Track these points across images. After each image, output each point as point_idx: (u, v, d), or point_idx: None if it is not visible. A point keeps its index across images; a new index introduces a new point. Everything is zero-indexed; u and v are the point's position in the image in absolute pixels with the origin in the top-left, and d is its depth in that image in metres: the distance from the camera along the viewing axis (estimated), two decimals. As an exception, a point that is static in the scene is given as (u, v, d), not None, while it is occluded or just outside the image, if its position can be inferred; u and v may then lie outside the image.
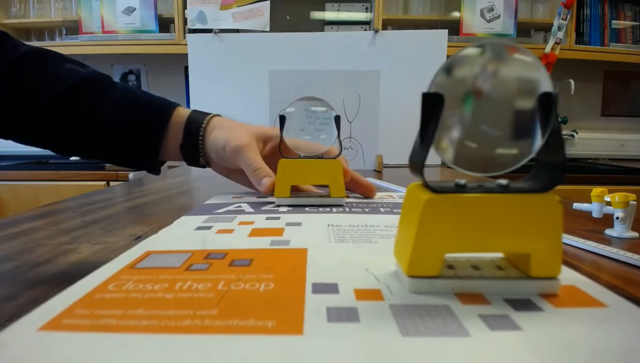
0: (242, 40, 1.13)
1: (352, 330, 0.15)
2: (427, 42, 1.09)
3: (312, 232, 0.29)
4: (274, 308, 0.16)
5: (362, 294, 0.18)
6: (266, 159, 0.44)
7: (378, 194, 0.47)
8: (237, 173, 0.45)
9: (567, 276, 0.20)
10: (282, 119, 0.40)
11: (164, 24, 1.73)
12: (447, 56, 0.18)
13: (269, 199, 0.43)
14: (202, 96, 1.13)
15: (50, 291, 0.21)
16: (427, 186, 0.18)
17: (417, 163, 0.19)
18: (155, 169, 0.48)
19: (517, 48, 0.18)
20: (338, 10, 1.77)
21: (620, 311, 0.17)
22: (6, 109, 0.40)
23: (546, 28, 1.74)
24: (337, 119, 0.40)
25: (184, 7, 1.63)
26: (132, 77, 1.96)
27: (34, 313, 0.16)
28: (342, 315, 0.16)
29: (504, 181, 0.18)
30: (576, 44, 1.73)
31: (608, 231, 0.33)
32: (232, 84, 1.12)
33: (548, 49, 1.63)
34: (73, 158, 1.43)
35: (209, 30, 1.13)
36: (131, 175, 1.32)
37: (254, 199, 0.44)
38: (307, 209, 0.38)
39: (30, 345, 0.14)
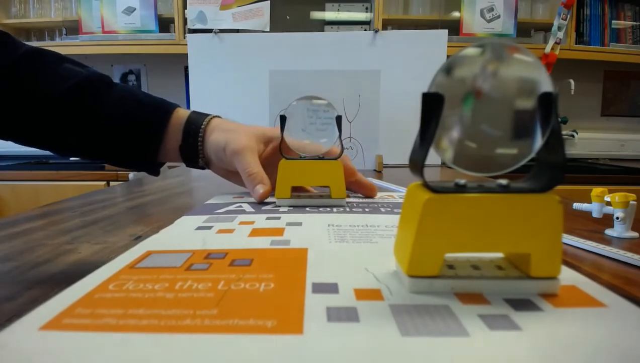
0: (242, 40, 1.13)
1: (352, 330, 0.15)
2: (427, 42, 1.09)
3: (312, 232, 0.29)
4: (274, 308, 0.16)
5: (362, 294, 0.18)
6: (267, 161, 0.44)
7: (378, 194, 0.47)
8: (237, 175, 0.45)
9: (567, 276, 0.20)
10: (283, 119, 0.40)
11: (164, 24, 1.73)
12: (447, 56, 0.18)
13: (269, 199, 0.43)
14: (202, 96, 1.13)
15: (50, 291, 0.21)
16: (427, 186, 0.18)
17: (417, 163, 0.19)
18: (154, 170, 0.48)
19: (517, 48, 0.18)
20: (338, 10, 1.77)
21: (620, 311, 0.17)
22: (6, 109, 0.40)
23: (546, 28, 1.74)
24: (339, 119, 0.40)
25: (184, 7, 1.63)
26: (132, 77, 1.96)
27: (35, 312, 0.16)
28: (342, 314, 0.16)
29: (504, 181, 0.18)
30: (576, 44, 1.73)
31: (608, 231, 0.33)
32: (232, 84, 1.12)
33: (548, 49, 1.63)
34: (73, 158, 1.43)
35: (209, 30, 1.13)
36: (131, 175, 1.32)
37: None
38: (307, 209, 0.38)
39: (30, 344, 0.14)
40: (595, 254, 0.28)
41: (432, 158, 0.18)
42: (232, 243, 0.26)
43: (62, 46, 1.70)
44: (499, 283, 0.18)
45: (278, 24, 1.73)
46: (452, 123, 0.18)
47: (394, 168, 1.02)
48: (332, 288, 0.19)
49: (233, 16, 1.58)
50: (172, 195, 0.54)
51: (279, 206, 0.39)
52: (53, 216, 0.40)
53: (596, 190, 0.35)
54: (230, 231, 0.29)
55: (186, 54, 1.13)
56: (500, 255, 0.21)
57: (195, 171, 0.83)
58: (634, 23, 1.82)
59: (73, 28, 1.76)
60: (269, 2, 1.56)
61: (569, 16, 1.62)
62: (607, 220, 0.34)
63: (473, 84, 0.18)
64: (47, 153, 0.47)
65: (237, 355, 0.13)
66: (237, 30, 1.57)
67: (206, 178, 0.72)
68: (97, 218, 0.39)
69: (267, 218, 0.34)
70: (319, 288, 0.19)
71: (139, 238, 0.31)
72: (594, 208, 0.35)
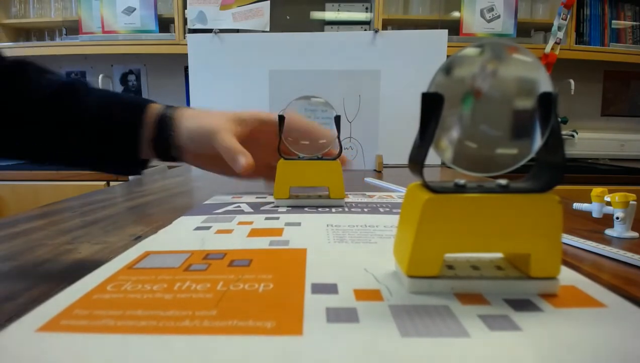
0: (242, 40, 1.13)
1: (352, 331, 0.15)
2: (427, 42, 1.09)
3: (311, 232, 0.29)
4: (274, 309, 0.16)
5: (362, 294, 0.18)
6: (243, 142, 0.43)
7: (378, 194, 0.47)
8: (214, 161, 0.43)
9: (567, 276, 0.20)
10: (282, 119, 0.40)
11: (164, 24, 1.73)
12: (447, 56, 0.18)
13: (268, 199, 0.43)
14: (202, 96, 1.13)
15: (50, 291, 0.21)
16: (426, 186, 0.18)
17: (416, 163, 0.19)
18: (135, 171, 0.46)
19: (517, 48, 0.18)
20: (338, 10, 1.77)
21: (619, 312, 0.16)
22: None
23: (546, 28, 1.74)
24: (337, 119, 0.40)
25: (184, 7, 1.63)
26: (132, 77, 1.96)
27: (32, 313, 0.16)
28: (342, 315, 0.16)
29: (503, 181, 0.18)
30: (576, 44, 1.73)
31: (608, 231, 0.33)
32: (232, 84, 1.12)
33: (548, 49, 1.63)
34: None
35: (209, 30, 1.13)
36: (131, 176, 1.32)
37: (254, 199, 0.44)
38: (306, 209, 0.38)
39: (28, 346, 0.14)
40: (595, 254, 0.28)
41: (432, 158, 0.18)
42: (230, 244, 0.26)
43: (62, 46, 1.70)
44: (498, 283, 0.18)
45: (278, 24, 1.73)
46: (451, 123, 0.18)
47: (393, 168, 1.02)
48: (331, 289, 0.18)
49: (233, 16, 1.58)
50: (172, 195, 0.54)
51: (278, 207, 0.39)
52: (53, 216, 0.40)
53: (596, 190, 0.35)
54: (229, 231, 0.29)
55: (186, 54, 1.13)
56: (499, 255, 0.21)
57: (195, 171, 0.83)
58: (634, 23, 1.82)
59: (73, 28, 1.76)
60: (269, 2, 1.56)
61: (569, 16, 1.62)
62: (607, 220, 0.34)
63: (472, 84, 0.18)
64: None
65: (237, 356, 0.13)
66: (237, 30, 1.57)
67: (206, 178, 0.72)
68: (97, 218, 0.39)
69: (266, 218, 0.34)
70: (319, 288, 0.19)
71: (138, 238, 0.31)
72: (594, 208, 0.35)
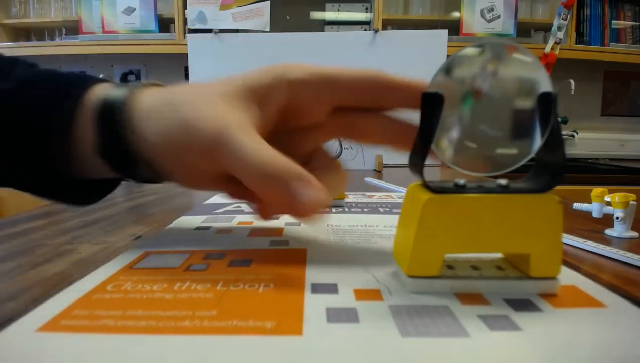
0: (242, 40, 1.13)
1: (352, 331, 0.15)
2: (427, 42, 1.09)
3: (311, 232, 0.29)
4: (273, 309, 0.16)
5: (362, 294, 0.18)
6: (272, 136, 0.23)
7: (378, 194, 0.47)
8: (219, 180, 0.24)
9: (567, 276, 0.20)
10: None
11: (164, 24, 1.73)
12: (447, 56, 0.18)
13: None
14: (202, 96, 1.13)
15: (50, 291, 0.21)
16: (426, 186, 0.18)
17: (416, 163, 0.19)
18: (82, 199, 0.28)
19: (517, 48, 0.18)
20: (338, 10, 1.77)
21: (619, 312, 0.16)
22: None
23: (546, 28, 1.74)
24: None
25: (184, 7, 1.63)
26: (132, 77, 1.96)
27: (32, 313, 0.16)
28: (342, 315, 0.16)
29: (503, 181, 0.18)
30: (576, 44, 1.73)
31: (608, 231, 0.33)
32: (232, 84, 1.12)
33: (548, 49, 1.63)
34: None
35: (209, 31, 1.13)
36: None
37: (254, 199, 0.44)
38: (306, 209, 0.38)
39: (28, 346, 0.14)
40: (595, 254, 0.28)
41: (432, 158, 0.18)
42: (230, 244, 0.26)
43: (62, 46, 1.70)
44: (498, 283, 0.18)
45: (278, 24, 1.73)
46: (451, 123, 0.18)
47: (394, 168, 1.02)
48: (331, 289, 0.18)
49: (233, 16, 1.58)
50: (172, 195, 0.54)
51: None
52: (53, 216, 0.40)
53: (596, 190, 0.35)
54: (229, 231, 0.29)
55: (186, 54, 1.13)
56: (499, 255, 0.21)
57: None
58: (634, 23, 1.82)
59: (73, 28, 1.76)
60: (269, 2, 1.56)
61: (569, 16, 1.62)
62: (607, 220, 0.34)
63: (472, 84, 0.18)
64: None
65: (237, 357, 0.13)
66: (237, 30, 1.57)
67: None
68: (97, 218, 0.39)
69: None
70: (319, 288, 0.19)
71: (138, 238, 0.31)
72: (594, 208, 0.35)
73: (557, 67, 1.66)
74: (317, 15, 1.85)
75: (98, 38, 1.71)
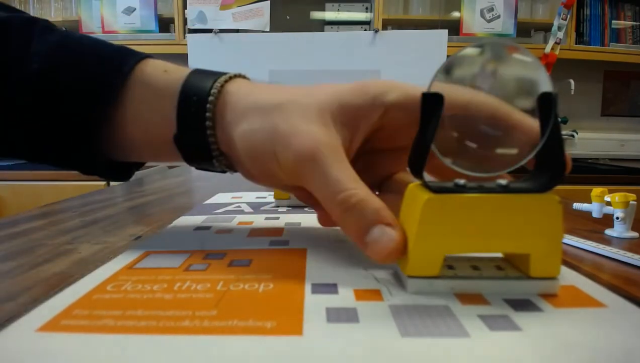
0: (242, 40, 1.13)
1: (352, 331, 0.15)
2: (427, 42, 1.09)
3: (311, 232, 0.29)
4: (274, 309, 0.16)
5: (362, 294, 0.18)
6: (360, 161, 0.24)
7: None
8: (292, 186, 0.24)
9: (567, 276, 0.20)
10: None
11: (164, 24, 1.73)
12: (447, 56, 0.18)
13: (268, 199, 0.43)
14: (202, 96, 1.13)
15: (50, 291, 0.21)
16: (426, 186, 0.18)
17: (416, 163, 0.19)
18: (121, 175, 0.29)
19: (517, 48, 0.18)
20: (338, 10, 1.77)
21: (619, 312, 0.16)
22: None
23: (546, 28, 1.74)
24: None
25: (184, 7, 1.63)
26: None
27: (32, 313, 0.16)
28: (342, 315, 0.16)
29: (503, 181, 0.18)
30: (576, 44, 1.73)
31: (608, 231, 0.33)
32: (232, 84, 1.12)
33: (548, 49, 1.63)
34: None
35: (209, 31, 1.13)
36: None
37: (253, 199, 0.44)
38: (306, 209, 0.38)
39: (28, 346, 0.14)
40: (595, 254, 0.28)
41: (432, 158, 0.18)
42: (230, 244, 0.26)
43: (62, 46, 1.70)
44: (498, 283, 0.18)
45: (278, 24, 1.73)
46: (451, 123, 0.18)
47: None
48: (331, 289, 0.18)
49: (233, 16, 1.58)
50: (172, 195, 0.54)
51: (278, 207, 0.39)
52: (53, 216, 0.40)
53: (596, 190, 0.35)
54: (229, 231, 0.29)
55: (186, 54, 1.13)
56: (499, 255, 0.21)
57: (195, 171, 0.83)
58: (634, 23, 1.82)
59: (73, 28, 1.76)
60: (269, 2, 1.56)
61: (569, 16, 1.62)
62: (607, 220, 0.34)
63: (472, 84, 0.18)
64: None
65: (237, 357, 0.13)
66: (237, 30, 1.57)
67: (206, 178, 0.72)
68: (97, 218, 0.39)
69: (266, 218, 0.34)
70: (319, 288, 0.19)
71: (138, 238, 0.31)
72: (594, 208, 0.35)
73: (557, 67, 1.66)
74: (317, 15, 1.85)
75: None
